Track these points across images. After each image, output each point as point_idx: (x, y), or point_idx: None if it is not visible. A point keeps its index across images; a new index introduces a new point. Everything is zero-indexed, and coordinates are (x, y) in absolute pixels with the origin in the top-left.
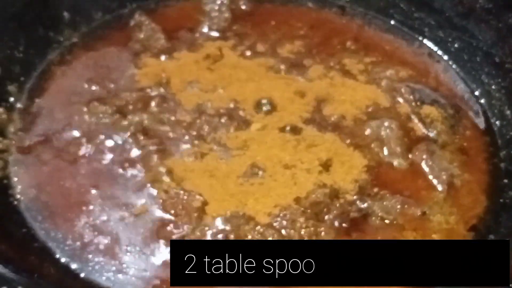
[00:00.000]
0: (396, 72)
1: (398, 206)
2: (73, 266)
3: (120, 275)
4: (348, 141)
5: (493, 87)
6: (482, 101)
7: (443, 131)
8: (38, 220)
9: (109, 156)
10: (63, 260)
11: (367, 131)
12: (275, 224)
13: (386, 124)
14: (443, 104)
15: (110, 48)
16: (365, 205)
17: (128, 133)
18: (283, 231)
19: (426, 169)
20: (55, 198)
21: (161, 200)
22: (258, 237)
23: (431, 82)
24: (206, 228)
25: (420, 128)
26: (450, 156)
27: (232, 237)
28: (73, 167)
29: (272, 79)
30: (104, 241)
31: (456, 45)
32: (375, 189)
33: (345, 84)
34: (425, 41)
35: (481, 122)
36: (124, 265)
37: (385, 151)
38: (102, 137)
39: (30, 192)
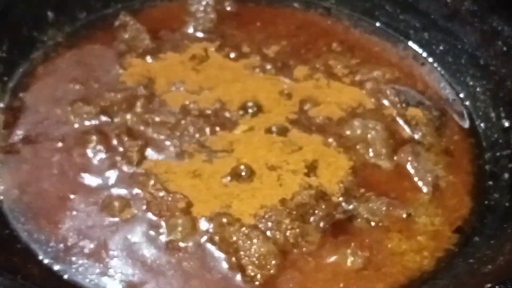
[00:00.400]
0: (382, 74)
1: (384, 208)
2: (57, 267)
3: (104, 278)
4: (333, 142)
5: (478, 89)
6: (467, 103)
7: (428, 133)
8: (21, 221)
9: (93, 157)
10: (46, 261)
11: (353, 133)
12: (260, 225)
13: (371, 125)
14: (428, 106)
15: (94, 48)
16: (351, 206)
17: (113, 134)
18: (268, 233)
19: (411, 170)
20: (38, 199)
21: (145, 201)
22: (243, 238)
23: (417, 84)
24: (190, 230)
25: (405, 130)
26: (435, 158)
27: (217, 238)
28: (56, 168)
29: (257, 80)
30: (88, 243)
31: (441, 47)
32: (361, 191)
33: (330, 86)
34: (410, 43)
35: (466, 124)
36: (109, 268)
37: (371, 153)
38: (86, 137)
39: (12, 192)
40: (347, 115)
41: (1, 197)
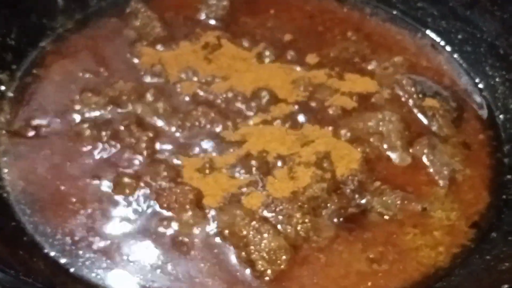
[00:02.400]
0: (398, 63)
1: (398, 202)
2: (63, 261)
3: (111, 273)
4: (347, 134)
5: (497, 79)
6: (486, 94)
7: (445, 125)
8: (27, 213)
9: (101, 148)
10: (52, 254)
11: (367, 124)
12: (271, 219)
13: (386, 117)
14: (445, 97)
15: (105, 36)
16: (364, 200)
17: (122, 125)
18: (279, 227)
19: (427, 163)
20: (45, 190)
21: (154, 194)
22: (253, 232)
23: (434, 74)
24: (200, 224)
25: (421, 121)
26: (452, 150)
27: (226, 232)
28: (63, 159)
29: (270, 69)
30: (95, 237)
31: (459, 36)
32: (375, 184)
33: (345, 75)
34: (428, 32)
35: (484, 116)
36: (116, 263)
37: (385, 145)
38: (94, 128)
39: (19, 184)
40: (361, 106)
41: (8, 189)
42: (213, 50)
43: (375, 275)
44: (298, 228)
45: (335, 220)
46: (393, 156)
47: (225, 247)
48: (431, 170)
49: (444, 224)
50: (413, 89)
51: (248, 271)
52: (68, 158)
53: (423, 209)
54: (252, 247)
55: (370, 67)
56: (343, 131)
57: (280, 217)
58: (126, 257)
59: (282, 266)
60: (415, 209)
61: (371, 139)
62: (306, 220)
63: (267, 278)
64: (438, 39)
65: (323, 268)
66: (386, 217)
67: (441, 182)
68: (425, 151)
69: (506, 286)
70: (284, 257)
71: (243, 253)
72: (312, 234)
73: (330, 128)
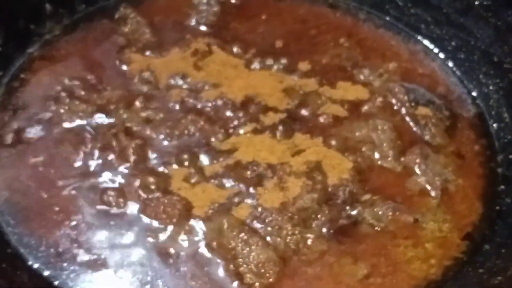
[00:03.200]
0: (391, 70)
1: (390, 213)
2: (47, 273)
3: (97, 286)
4: (338, 143)
5: (491, 87)
6: (479, 102)
7: (438, 134)
8: (11, 224)
9: (87, 157)
10: (36, 266)
11: (358, 133)
12: (260, 230)
13: (378, 126)
14: (438, 105)
15: (93, 42)
16: (355, 211)
17: (110, 133)
18: (268, 238)
19: (419, 173)
20: (29, 200)
21: (141, 204)
22: (241, 244)
23: (427, 81)
24: (188, 235)
25: (414, 130)
26: (445, 160)
27: (214, 244)
28: (48, 168)
29: (261, 76)
30: (80, 248)
31: (453, 43)
32: (366, 195)
33: (337, 83)
34: (421, 38)
35: (477, 125)
36: (101, 275)
37: (377, 155)
38: (81, 137)
39: (2, 194)
40: (353, 114)
41: None
42: (203, 57)
43: None
44: (288, 240)
45: (326, 231)
46: (385, 165)
47: (213, 259)
48: (423, 180)
49: (436, 236)
50: (405, 97)
51: (236, 284)
52: (53, 166)
53: (415, 221)
54: (240, 259)
55: (362, 75)
56: (334, 141)
57: (269, 229)
58: (111, 269)
59: (271, 279)
60: (406, 221)
61: (363, 148)
62: (296, 232)
63: None
64: (431, 46)
65: (313, 281)
66: (377, 228)
67: (433, 193)
68: (417, 160)
69: None
70: (272, 270)
71: (231, 266)
72: (302, 246)
73: (321, 137)
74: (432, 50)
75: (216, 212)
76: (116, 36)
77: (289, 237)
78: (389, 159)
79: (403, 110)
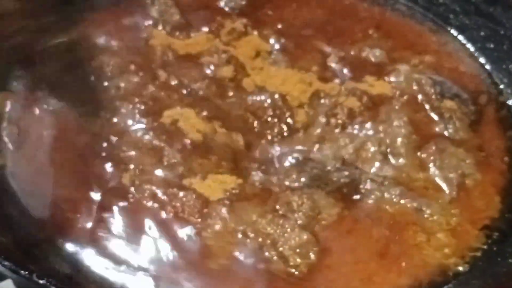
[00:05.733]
0: (418, 62)
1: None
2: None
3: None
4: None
5: None
6: (508, 95)
7: (462, 128)
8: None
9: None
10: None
11: (378, 125)
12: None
13: (397, 118)
14: (464, 99)
15: (121, 25)
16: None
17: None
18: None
19: (435, 167)
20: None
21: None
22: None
23: (454, 74)
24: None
25: (435, 124)
26: (464, 154)
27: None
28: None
29: (287, 66)
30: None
31: (482, 33)
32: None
33: (364, 76)
34: (449, 28)
35: (504, 119)
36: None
37: (393, 147)
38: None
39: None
40: (375, 106)
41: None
42: (233, 40)
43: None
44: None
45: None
46: (401, 159)
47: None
48: (439, 174)
49: (444, 228)
50: (432, 89)
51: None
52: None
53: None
54: (280, 243)
55: (390, 66)
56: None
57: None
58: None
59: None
60: (416, 210)
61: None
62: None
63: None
64: (460, 36)
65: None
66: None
67: (447, 188)
68: (434, 155)
69: None
70: (312, 250)
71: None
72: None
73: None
74: (460, 41)
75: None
76: (144, 17)
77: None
78: (406, 151)
79: (428, 103)
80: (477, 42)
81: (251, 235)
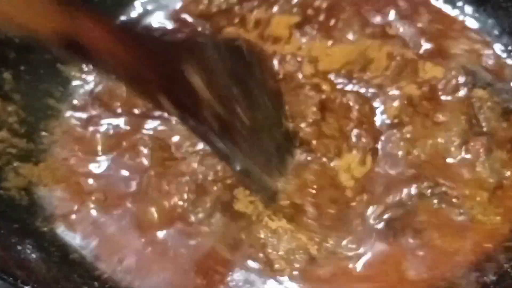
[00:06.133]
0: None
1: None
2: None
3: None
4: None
5: None
6: None
7: (493, 118)
8: None
9: None
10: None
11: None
12: None
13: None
14: (498, 88)
15: None
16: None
17: None
18: None
19: (478, 165)
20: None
21: None
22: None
23: (490, 63)
24: None
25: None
26: (505, 156)
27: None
28: None
29: None
30: None
31: None
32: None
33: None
34: (487, 13)
35: None
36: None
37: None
38: None
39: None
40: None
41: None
42: None
43: None
44: None
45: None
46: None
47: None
48: (480, 172)
49: (487, 228)
50: (464, 78)
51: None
52: None
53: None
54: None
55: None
56: None
57: None
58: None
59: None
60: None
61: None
62: None
63: None
64: (497, 22)
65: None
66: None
67: (488, 185)
68: (480, 152)
69: None
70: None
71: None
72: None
73: None
74: (498, 27)
75: None
76: None
77: None
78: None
79: (462, 93)
80: None
81: None
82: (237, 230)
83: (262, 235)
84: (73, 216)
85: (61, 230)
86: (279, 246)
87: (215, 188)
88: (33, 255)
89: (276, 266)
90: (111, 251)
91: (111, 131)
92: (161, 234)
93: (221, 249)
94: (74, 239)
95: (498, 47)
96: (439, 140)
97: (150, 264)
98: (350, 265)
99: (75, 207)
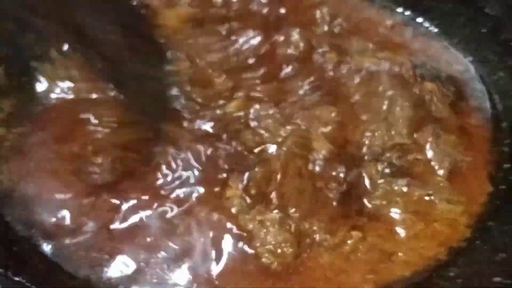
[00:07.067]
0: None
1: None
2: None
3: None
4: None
5: (499, 65)
6: (487, 80)
7: (443, 109)
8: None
9: None
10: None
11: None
12: None
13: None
14: (444, 82)
15: None
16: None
17: None
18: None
19: (430, 151)
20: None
21: None
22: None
23: (433, 58)
24: None
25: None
26: (455, 140)
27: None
28: None
29: None
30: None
31: (461, 19)
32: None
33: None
34: (428, 15)
35: (484, 103)
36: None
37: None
38: None
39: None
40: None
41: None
42: None
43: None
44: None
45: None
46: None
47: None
48: (433, 159)
49: (445, 214)
50: (411, 71)
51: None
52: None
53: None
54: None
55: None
56: None
57: None
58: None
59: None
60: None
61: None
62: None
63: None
64: (438, 22)
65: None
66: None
67: (441, 171)
68: (429, 139)
69: (498, 279)
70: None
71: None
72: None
73: None
74: (439, 26)
75: None
76: None
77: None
78: (403, 135)
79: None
80: (455, 27)
81: None
82: None
83: None
84: None
85: None
86: None
87: None
88: None
89: None
90: None
91: None
92: None
93: None
94: None
95: (440, 43)
96: None
97: None
98: None
99: None
